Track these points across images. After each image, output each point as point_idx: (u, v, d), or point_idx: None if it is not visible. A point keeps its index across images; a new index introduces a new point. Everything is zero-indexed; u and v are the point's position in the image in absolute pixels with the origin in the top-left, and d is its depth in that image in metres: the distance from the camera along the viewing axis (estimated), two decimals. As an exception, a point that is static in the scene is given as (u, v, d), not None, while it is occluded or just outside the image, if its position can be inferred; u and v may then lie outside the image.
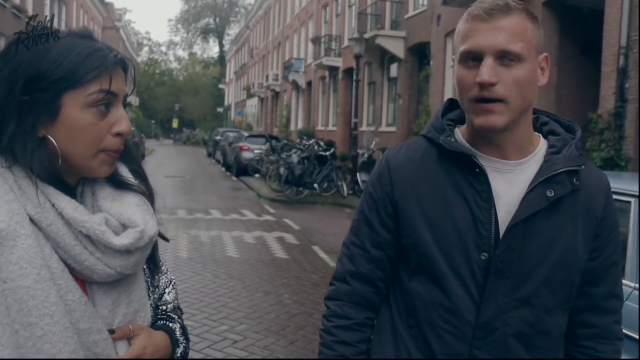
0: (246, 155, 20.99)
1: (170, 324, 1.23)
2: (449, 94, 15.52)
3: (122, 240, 1.05)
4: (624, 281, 2.96)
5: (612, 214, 1.35)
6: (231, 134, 27.06)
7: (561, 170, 1.25)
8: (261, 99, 45.86)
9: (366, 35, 17.76)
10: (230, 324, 5.17)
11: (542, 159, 1.31)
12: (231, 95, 62.61)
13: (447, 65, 15.60)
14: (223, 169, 23.03)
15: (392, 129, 19.23)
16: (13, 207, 0.99)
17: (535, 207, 1.25)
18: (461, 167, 1.29)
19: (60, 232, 1.01)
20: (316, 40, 27.40)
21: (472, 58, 1.22)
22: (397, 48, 18.40)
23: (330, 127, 27.03)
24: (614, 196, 1.41)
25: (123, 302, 1.09)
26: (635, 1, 9.29)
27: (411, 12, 18.18)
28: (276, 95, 39.69)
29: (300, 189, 14.98)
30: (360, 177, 15.05)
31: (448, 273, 1.28)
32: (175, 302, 1.34)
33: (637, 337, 2.74)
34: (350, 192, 15.15)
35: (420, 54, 17.69)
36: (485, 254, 1.27)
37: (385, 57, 19.99)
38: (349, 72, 23.54)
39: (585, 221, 1.30)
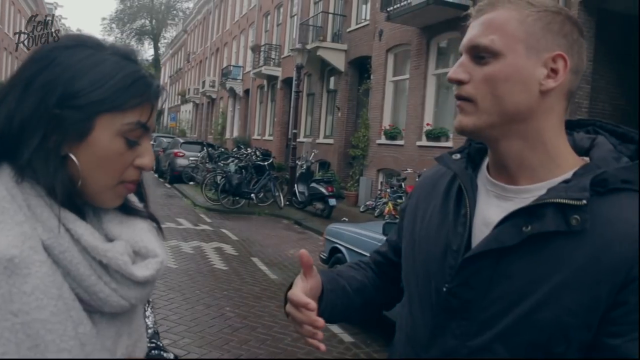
0: (181, 162, 20.55)
1: (165, 354, 1.15)
2: (388, 108, 15.79)
3: (144, 271, 0.96)
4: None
5: None
6: (165, 140, 26.45)
7: (547, 201, 1.00)
8: (196, 105, 45.32)
9: (308, 47, 17.82)
10: (172, 338, 4.98)
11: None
12: (165, 100, 61.50)
13: (387, 80, 15.87)
14: (156, 175, 22.45)
15: (330, 140, 19.36)
16: (25, 229, 0.87)
17: (504, 242, 1.02)
18: (460, 189, 1.16)
19: (74, 260, 0.90)
20: (256, 49, 27.33)
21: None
22: (338, 61, 18.58)
23: (266, 137, 26.97)
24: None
25: (125, 332, 1.00)
26: None
27: (353, 26, 18.41)
28: (212, 101, 39.29)
29: (237, 198, 14.77)
30: (298, 188, 15.01)
31: (415, 299, 1.19)
32: (155, 327, 1.26)
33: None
34: (287, 203, 15.07)
35: (360, 67, 17.91)
36: (447, 285, 1.10)
37: (325, 69, 20.15)
38: (287, 82, 23.59)
39: (588, 277, 0.96)
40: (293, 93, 18.21)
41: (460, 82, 1.06)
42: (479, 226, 1.09)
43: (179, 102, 50.65)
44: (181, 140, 23.81)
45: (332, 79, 20.29)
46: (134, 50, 1.03)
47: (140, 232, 1.02)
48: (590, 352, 0.98)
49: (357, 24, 18.33)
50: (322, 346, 1.14)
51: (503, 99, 1.03)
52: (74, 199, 0.95)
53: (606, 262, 0.95)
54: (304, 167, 16.03)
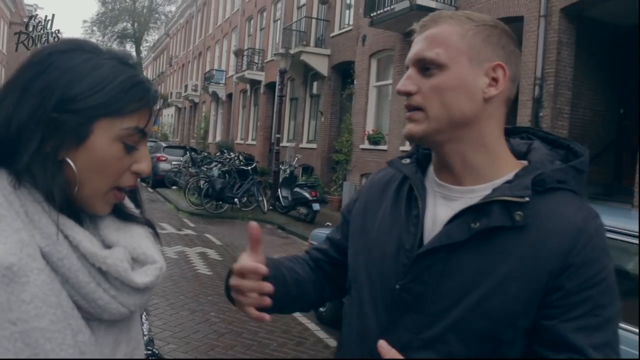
0: (164, 166, 20.41)
1: None
2: (371, 113, 15.84)
3: (143, 278, 0.95)
4: None
5: (590, 267, 1.05)
6: (147, 144, 26.24)
7: (494, 199, 1.08)
8: (179, 109, 45.07)
9: (291, 51, 17.84)
10: (157, 344, 4.91)
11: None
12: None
13: (370, 85, 15.93)
14: (138, 179, 22.18)
15: (313, 145, 19.37)
16: (23, 236, 0.86)
17: (454, 238, 1.09)
18: (410, 191, 1.23)
19: (73, 267, 0.89)
20: (239, 53, 27.28)
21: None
22: (322, 65, 18.62)
23: (249, 141, 26.90)
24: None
25: (124, 340, 0.99)
26: (549, 37, 9.87)
27: (337, 31, 18.47)
28: (195, 105, 39.11)
29: (221, 203, 14.72)
30: (281, 192, 15.00)
31: (367, 298, 1.22)
32: (150, 334, 1.26)
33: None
34: (271, 207, 15.05)
35: (344, 72, 17.96)
36: (400, 282, 1.16)
37: (308, 74, 20.18)
38: (270, 86, 23.57)
39: (530, 268, 1.06)
40: (276, 97, 18.20)
41: (409, 94, 1.14)
42: (429, 225, 1.16)
43: (162, 105, 50.33)
44: (164, 145, 23.65)
45: (315, 84, 20.32)
46: (131, 55, 1.03)
47: (137, 238, 1.01)
48: (530, 335, 1.07)
49: (340, 29, 18.39)
50: (267, 316, 1.16)
51: (450, 106, 1.11)
52: (72, 205, 0.94)
53: (545, 252, 1.06)
54: (288, 171, 16.03)
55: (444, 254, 1.11)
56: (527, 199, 1.06)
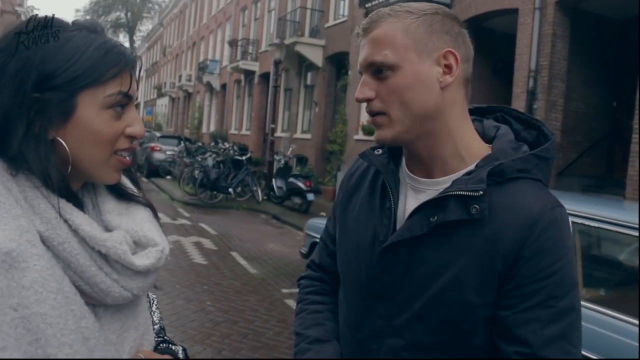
0: (158, 156, 20.38)
1: (173, 347, 1.15)
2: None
3: (144, 260, 0.96)
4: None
5: (543, 257, 1.05)
6: (141, 133, 26.15)
7: (449, 194, 1.09)
8: (172, 99, 44.85)
9: (286, 42, 17.79)
10: (153, 333, 4.98)
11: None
12: (141, 94, 60.71)
13: (365, 77, 15.89)
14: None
15: (308, 136, 19.36)
16: (22, 223, 0.86)
17: (415, 232, 1.12)
18: (384, 183, 1.25)
19: (74, 251, 0.90)
20: (233, 43, 27.16)
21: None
22: (316, 56, 18.57)
23: (243, 131, 26.84)
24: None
25: (131, 325, 0.99)
26: (544, 30, 9.90)
27: (331, 22, 18.42)
28: (189, 95, 38.94)
29: (215, 193, 14.71)
30: (276, 183, 15.00)
31: (348, 285, 1.29)
32: (161, 322, 1.26)
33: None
34: (265, 197, 15.07)
35: (338, 63, 17.94)
36: (372, 272, 1.21)
37: (303, 65, 20.12)
38: (265, 76, 23.51)
39: (485, 260, 1.07)
40: (270, 88, 18.18)
41: (369, 100, 1.13)
42: (400, 217, 1.19)
43: (155, 96, 50.11)
44: (158, 135, 23.61)
45: (309, 75, 20.28)
46: (98, 22, 1.01)
47: (140, 222, 1.01)
48: (490, 326, 1.10)
49: (335, 19, 18.34)
50: None
51: (411, 105, 1.11)
52: (70, 188, 0.94)
53: (501, 244, 1.07)
54: (282, 162, 16.04)
55: (409, 246, 1.14)
56: (481, 192, 1.07)
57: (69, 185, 0.94)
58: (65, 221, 0.91)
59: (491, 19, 11.50)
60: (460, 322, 1.10)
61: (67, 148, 0.92)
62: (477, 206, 1.07)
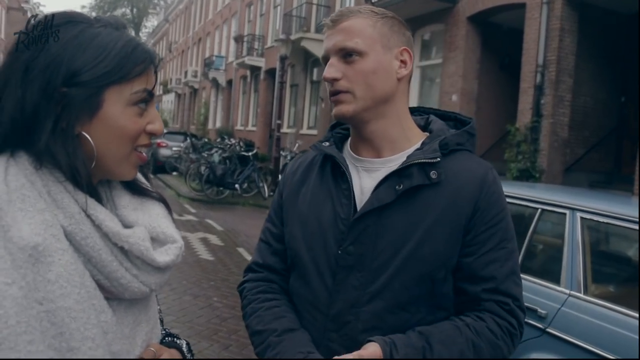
0: (164, 152, 20.40)
1: (178, 341, 1.16)
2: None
3: (164, 257, 0.97)
4: (558, 288, 3.12)
5: (492, 208, 1.30)
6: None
7: (411, 162, 1.28)
8: (178, 95, 44.93)
9: (292, 37, 17.77)
10: (160, 328, 4.99)
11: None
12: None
13: (371, 72, 15.85)
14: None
15: (314, 131, 19.34)
16: (46, 217, 0.87)
17: (384, 200, 1.28)
18: (334, 169, 1.39)
19: (96, 246, 0.91)
20: (239, 39, 27.12)
21: (326, 61, 1.34)
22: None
23: (249, 127, 26.85)
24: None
25: (143, 319, 1.01)
26: (552, 24, 9.84)
27: (337, 18, 18.34)
28: (195, 92, 38.99)
29: (221, 189, 14.74)
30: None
31: (310, 267, 1.35)
32: (160, 314, 1.27)
33: (573, 341, 2.88)
34: (271, 193, 15.06)
35: (344, 59, 17.87)
36: (342, 246, 1.31)
37: (309, 60, 20.10)
38: (271, 72, 23.49)
39: (450, 215, 1.28)
40: (277, 84, 18.17)
41: (335, 80, 1.30)
42: (358, 195, 1.34)
43: (161, 92, 50.19)
44: (164, 131, 23.58)
45: (315, 70, 20.25)
46: (120, 19, 1.02)
47: (156, 217, 1.02)
48: (454, 273, 1.30)
49: (341, 15, 18.27)
50: None
51: (374, 87, 1.31)
52: (92, 183, 0.95)
53: (460, 201, 1.29)
54: (288, 157, 16.03)
55: (376, 216, 1.29)
56: (438, 159, 1.29)
57: (91, 180, 0.95)
58: (89, 216, 0.91)
59: (498, 13, 11.44)
60: (434, 273, 1.28)
61: (92, 143, 0.93)
62: (435, 171, 1.28)
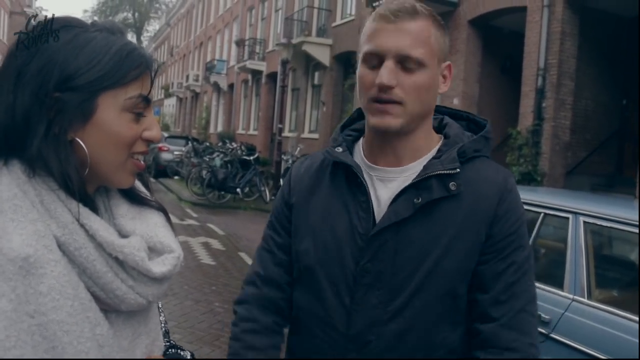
0: (166, 156, 20.39)
1: (182, 352, 1.14)
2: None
3: (161, 267, 0.94)
4: (562, 292, 3.10)
5: (510, 215, 1.23)
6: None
7: (429, 175, 1.21)
8: (180, 99, 44.98)
9: (293, 41, 17.78)
10: (162, 334, 4.97)
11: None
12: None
13: (372, 76, 15.85)
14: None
15: (315, 135, 19.33)
16: (38, 227, 0.84)
17: (402, 215, 1.20)
18: (348, 178, 1.29)
19: (90, 257, 0.88)
20: (240, 43, 27.18)
21: (374, 59, 1.20)
22: (324, 55, 18.55)
23: (251, 131, 26.86)
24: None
25: (143, 332, 0.98)
26: (553, 27, 9.84)
27: (338, 21, 18.39)
28: (196, 96, 39.02)
29: (223, 193, 14.73)
30: (283, 183, 14.99)
31: (325, 284, 1.28)
32: (166, 325, 1.25)
33: (577, 347, 2.87)
34: (273, 197, 15.04)
35: (346, 62, 17.90)
36: (360, 263, 1.24)
37: (310, 64, 20.11)
38: (272, 76, 23.51)
39: (471, 226, 1.21)
40: (278, 88, 18.19)
41: (389, 88, 1.18)
42: (375, 208, 1.26)
43: (163, 96, 50.26)
44: (166, 135, 23.60)
45: (317, 74, 20.26)
46: (117, 24, 1.00)
47: (154, 227, 0.99)
48: (471, 280, 1.23)
49: (342, 18, 18.32)
50: None
51: (424, 102, 1.23)
52: (86, 191, 0.92)
53: (479, 212, 1.22)
54: (290, 161, 16.03)
55: (393, 231, 1.21)
56: (457, 169, 1.22)
57: (86, 191, 0.92)
58: (82, 226, 0.89)
59: (499, 16, 11.44)
60: (457, 289, 1.22)
61: (85, 149, 0.90)
62: (454, 183, 1.21)
